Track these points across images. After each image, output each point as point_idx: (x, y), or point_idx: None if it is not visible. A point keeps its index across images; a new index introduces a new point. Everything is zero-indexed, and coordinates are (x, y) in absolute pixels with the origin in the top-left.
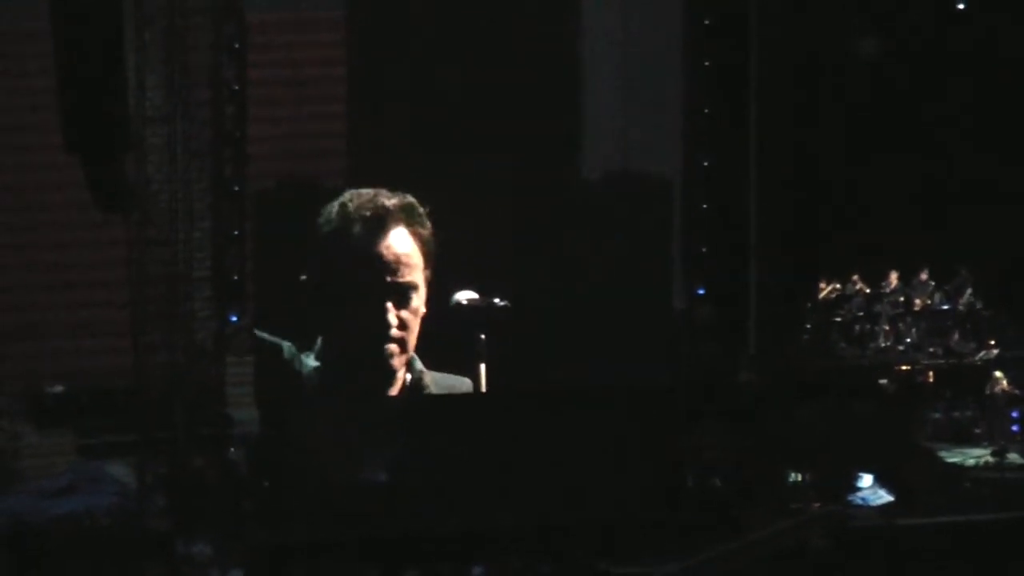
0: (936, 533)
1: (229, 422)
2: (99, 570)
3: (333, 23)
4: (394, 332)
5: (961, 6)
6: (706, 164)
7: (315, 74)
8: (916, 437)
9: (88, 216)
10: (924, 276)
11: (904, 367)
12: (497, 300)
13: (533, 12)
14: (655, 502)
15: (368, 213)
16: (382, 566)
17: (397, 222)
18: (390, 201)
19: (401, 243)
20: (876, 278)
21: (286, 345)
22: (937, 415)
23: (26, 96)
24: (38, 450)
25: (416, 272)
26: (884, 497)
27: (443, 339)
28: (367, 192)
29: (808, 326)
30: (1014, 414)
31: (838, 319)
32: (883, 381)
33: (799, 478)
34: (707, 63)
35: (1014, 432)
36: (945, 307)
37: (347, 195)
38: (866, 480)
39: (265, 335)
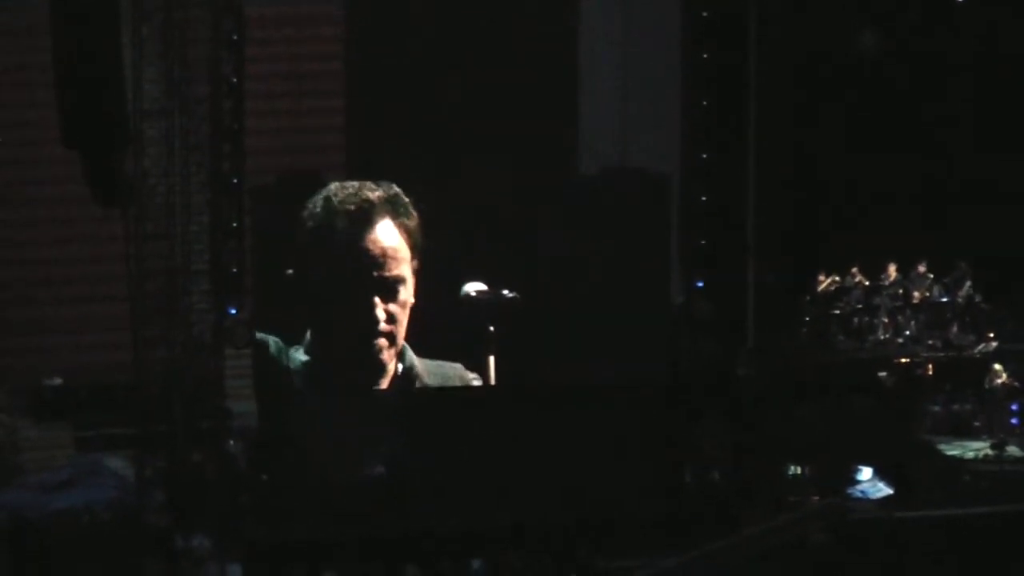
0: (935, 526)
1: (228, 416)
2: (98, 564)
3: (331, 18)
4: (383, 327)
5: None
6: (704, 159)
7: (313, 69)
8: (915, 430)
9: (87, 211)
10: (923, 269)
11: (903, 360)
12: (506, 292)
13: (533, 12)
14: (653, 498)
15: (352, 207)
16: (381, 561)
17: (382, 215)
18: (374, 194)
19: (387, 236)
20: (874, 271)
21: (272, 340)
22: (936, 408)
23: (25, 92)
24: (37, 444)
25: (403, 265)
26: (883, 490)
27: (452, 330)
28: (351, 185)
29: (807, 320)
30: (1013, 407)
31: (836, 312)
32: (882, 374)
33: (798, 472)
34: (705, 59)
35: (1013, 425)
36: (944, 300)
37: (331, 188)
38: (865, 473)
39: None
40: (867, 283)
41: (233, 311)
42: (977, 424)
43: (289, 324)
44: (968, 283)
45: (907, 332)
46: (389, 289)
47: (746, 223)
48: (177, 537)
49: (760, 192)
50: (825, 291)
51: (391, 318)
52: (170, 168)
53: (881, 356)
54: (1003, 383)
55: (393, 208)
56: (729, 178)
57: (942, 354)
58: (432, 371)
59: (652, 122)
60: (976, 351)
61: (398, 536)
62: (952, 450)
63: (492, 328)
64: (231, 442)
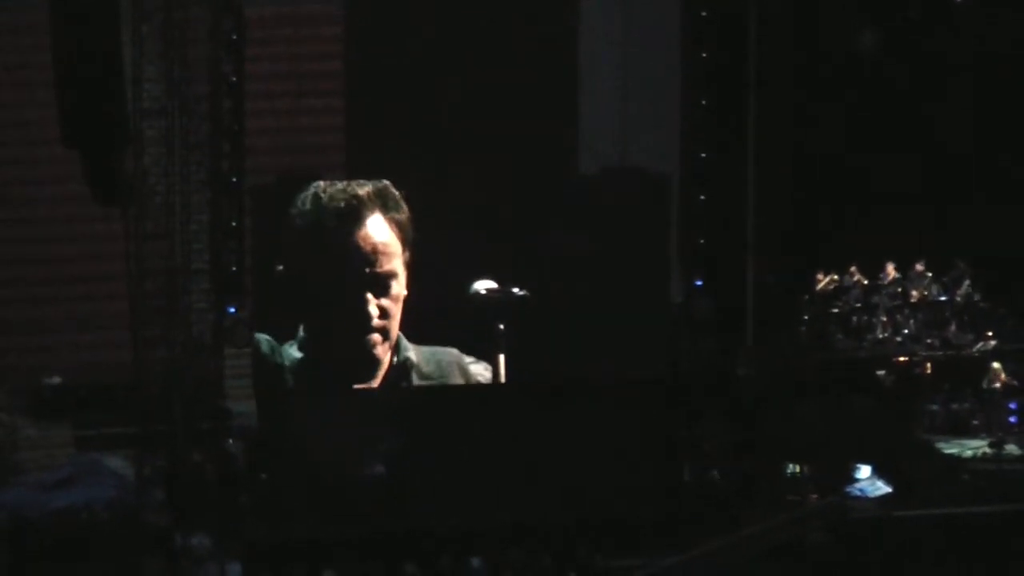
0: (934, 525)
1: (228, 415)
2: (98, 563)
3: (332, 18)
4: (376, 323)
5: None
6: (704, 159)
7: (313, 69)
8: (914, 429)
9: (87, 210)
10: (921, 268)
11: (902, 359)
12: (516, 290)
13: (533, 12)
14: (653, 498)
15: (342, 204)
16: (381, 560)
17: (372, 210)
18: (363, 189)
19: (378, 232)
20: (873, 271)
21: (265, 339)
22: (935, 407)
23: (25, 91)
24: (37, 443)
25: (395, 260)
26: (882, 489)
27: (461, 328)
28: (340, 181)
29: (805, 319)
30: (1012, 406)
31: (835, 312)
32: (881, 373)
33: (798, 471)
34: (705, 59)
35: (1012, 424)
36: (943, 299)
37: (320, 184)
38: (864, 472)
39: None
40: (866, 282)
41: (233, 310)
42: (976, 423)
43: (283, 322)
44: (967, 282)
45: (906, 331)
46: (382, 285)
47: (745, 223)
48: (177, 536)
49: (759, 192)
50: (824, 290)
51: (384, 313)
52: (170, 167)
53: (880, 355)
54: (1002, 381)
55: (383, 202)
56: (729, 178)
57: (941, 353)
58: (428, 359)
59: (652, 122)
60: (975, 350)
61: (398, 535)
62: (951, 449)
63: (502, 326)
64: (231, 441)
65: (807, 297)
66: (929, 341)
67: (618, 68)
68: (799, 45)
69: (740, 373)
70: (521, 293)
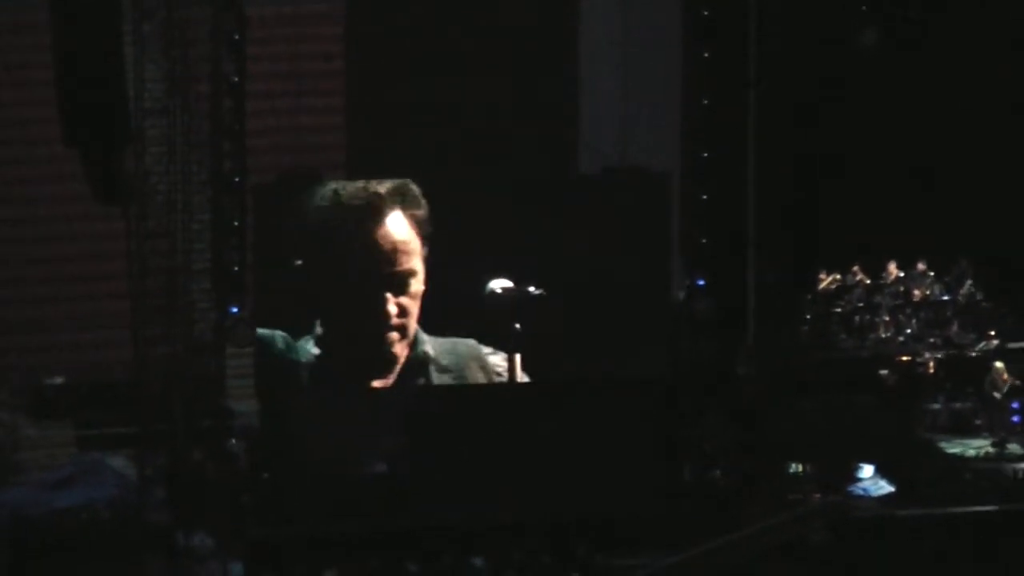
0: (936, 524)
1: (229, 414)
2: (99, 561)
3: (332, 18)
4: (395, 321)
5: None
6: (704, 158)
7: (314, 68)
8: (916, 428)
9: (88, 209)
10: (923, 267)
11: (904, 358)
12: (532, 288)
13: (533, 12)
14: (653, 497)
15: (362, 202)
16: (382, 558)
17: (391, 208)
18: (383, 187)
19: (397, 230)
20: (875, 270)
21: (280, 336)
22: (937, 406)
23: (25, 90)
24: (39, 442)
25: (414, 258)
26: (884, 488)
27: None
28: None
29: (807, 318)
30: (1014, 405)
31: (837, 311)
32: (883, 372)
33: (799, 470)
34: (705, 58)
35: (1014, 423)
36: (945, 298)
37: (339, 183)
38: (866, 471)
39: (260, 329)
40: (868, 281)
41: (234, 310)
42: (978, 422)
43: (293, 318)
44: (969, 281)
45: (908, 330)
46: (401, 283)
47: (746, 222)
48: (178, 535)
49: (760, 190)
50: (826, 289)
51: (403, 311)
52: (171, 166)
53: (882, 354)
54: (1004, 380)
55: (403, 199)
56: (729, 177)
57: (943, 352)
58: (447, 350)
59: (652, 122)
60: (977, 349)
61: (399, 534)
62: (953, 448)
63: (518, 326)
64: (232, 441)
65: (809, 296)
66: (931, 340)
67: (618, 68)
68: (799, 44)
69: (741, 372)
70: (537, 292)
